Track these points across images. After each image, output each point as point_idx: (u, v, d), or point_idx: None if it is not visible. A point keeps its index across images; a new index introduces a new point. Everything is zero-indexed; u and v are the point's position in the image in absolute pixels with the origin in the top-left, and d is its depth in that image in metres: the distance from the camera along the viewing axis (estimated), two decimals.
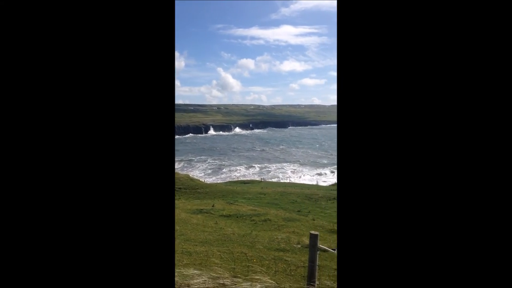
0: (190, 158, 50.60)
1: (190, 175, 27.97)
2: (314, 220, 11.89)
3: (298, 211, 14.44)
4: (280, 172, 41.11)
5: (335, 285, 4.26)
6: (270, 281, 2.77)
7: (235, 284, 2.63)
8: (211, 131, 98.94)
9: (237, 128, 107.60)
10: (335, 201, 16.79)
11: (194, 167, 44.71)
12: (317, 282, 2.89)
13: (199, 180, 26.65)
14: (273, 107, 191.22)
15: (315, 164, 45.72)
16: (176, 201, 15.01)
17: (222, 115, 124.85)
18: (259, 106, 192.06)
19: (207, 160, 49.21)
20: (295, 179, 35.65)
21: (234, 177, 37.39)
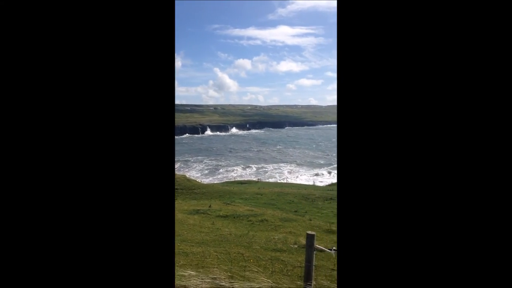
0: (186, 158, 50.46)
1: (187, 176, 27.90)
2: (311, 220, 11.92)
3: (295, 211, 14.46)
4: (277, 172, 41.14)
5: (332, 285, 4.27)
6: (267, 280, 2.77)
7: (232, 285, 2.63)
8: (208, 132, 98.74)
9: (234, 128, 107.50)
10: (332, 201, 16.84)
11: (190, 167, 44.59)
12: (313, 282, 2.90)
13: (195, 181, 26.58)
14: (270, 107, 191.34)
15: (312, 165, 45.82)
16: None
17: (219, 115, 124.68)
18: (256, 106, 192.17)
19: (203, 161, 49.11)
20: (292, 180, 35.69)
21: (231, 177, 37.34)
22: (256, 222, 11.02)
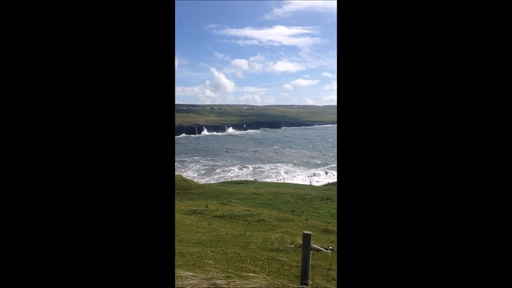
0: (183, 158, 50.30)
1: (184, 176, 27.81)
2: (307, 220, 11.94)
3: (292, 211, 14.48)
4: (274, 172, 41.17)
5: (328, 284, 4.29)
6: (263, 281, 2.77)
7: (229, 285, 2.63)
8: (205, 132, 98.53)
9: (230, 128, 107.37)
10: (328, 201, 16.89)
11: (187, 167, 44.46)
12: (310, 282, 2.91)
13: (192, 181, 26.52)
14: (266, 107, 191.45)
15: (309, 165, 45.91)
16: None
17: (216, 115, 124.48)
18: (252, 106, 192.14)
19: (200, 161, 49.00)
20: (288, 179, 35.74)
21: (227, 177, 37.30)
22: (253, 222, 11.02)
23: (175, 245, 6.50)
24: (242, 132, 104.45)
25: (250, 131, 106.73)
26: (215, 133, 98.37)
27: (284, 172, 41.19)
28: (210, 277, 2.77)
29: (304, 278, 2.79)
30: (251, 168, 43.44)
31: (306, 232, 2.83)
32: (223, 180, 34.18)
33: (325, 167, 43.50)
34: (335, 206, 15.37)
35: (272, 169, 43.22)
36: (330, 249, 3.80)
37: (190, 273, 2.82)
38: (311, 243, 2.82)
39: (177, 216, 11.49)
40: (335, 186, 26.25)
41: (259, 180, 33.69)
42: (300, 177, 37.89)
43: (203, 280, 2.70)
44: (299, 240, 7.30)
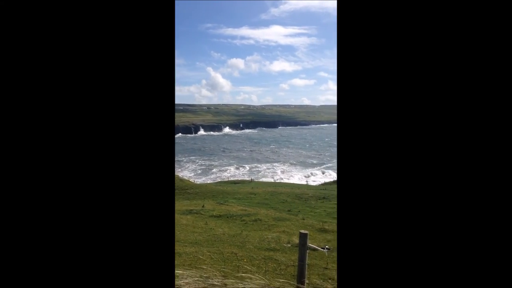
0: (179, 158, 50.14)
1: (180, 176, 27.74)
2: (304, 219, 11.97)
3: (288, 210, 14.50)
4: (270, 172, 41.20)
5: (324, 283, 4.30)
6: (260, 281, 2.77)
7: (225, 285, 2.63)
8: (201, 131, 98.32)
9: (227, 128, 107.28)
10: (325, 201, 16.94)
11: (183, 167, 44.34)
12: (306, 281, 2.91)
13: (188, 181, 26.46)
14: (263, 107, 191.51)
15: (305, 164, 46.02)
16: None
17: (212, 115, 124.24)
18: (249, 106, 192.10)
19: (196, 161, 48.89)
20: (285, 179, 35.79)
21: (224, 177, 37.26)
22: (249, 221, 11.02)
23: None
24: (238, 131, 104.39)
25: (246, 130, 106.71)
26: (211, 132, 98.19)
27: (281, 171, 41.25)
28: (207, 277, 2.76)
29: (300, 277, 2.80)
30: (247, 168, 43.43)
31: (302, 231, 2.84)
32: (219, 180, 34.15)
33: (322, 167, 43.63)
34: (332, 206, 15.43)
35: (268, 168, 43.26)
36: (327, 248, 3.81)
37: (187, 273, 2.81)
38: (308, 243, 2.82)
39: None
40: (332, 186, 26.35)
41: (256, 179, 33.70)
42: (296, 177, 37.97)
43: (199, 280, 2.70)
44: (296, 240, 7.31)
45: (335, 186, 25.76)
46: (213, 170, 42.50)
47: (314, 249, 5.04)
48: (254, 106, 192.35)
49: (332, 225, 10.63)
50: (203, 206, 14.16)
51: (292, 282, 3.00)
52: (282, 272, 4.79)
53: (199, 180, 34.02)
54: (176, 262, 4.73)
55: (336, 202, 16.74)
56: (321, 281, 4.43)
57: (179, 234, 8.37)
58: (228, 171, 42.00)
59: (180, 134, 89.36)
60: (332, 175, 37.89)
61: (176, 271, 2.86)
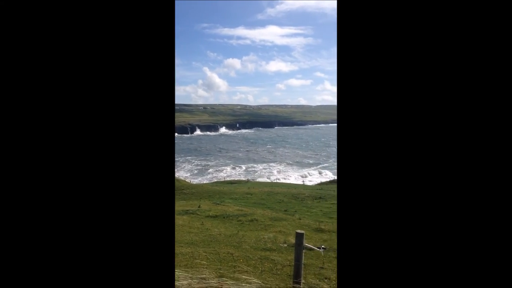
0: (175, 158, 49.91)
1: (176, 176, 27.63)
2: (300, 219, 11.99)
3: (285, 210, 14.52)
4: (267, 172, 41.23)
5: (320, 283, 4.31)
6: (256, 280, 2.77)
7: (222, 285, 2.62)
8: (197, 131, 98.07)
9: (223, 128, 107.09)
10: (321, 200, 16.99)
11: (179, 167, 44.18)
12: (302, 281, 2.92)
13: (184, 181, 26.37)
14: (259, 107, 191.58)
15: (302, 164, 46.11)
16: None
17: (209, 115, 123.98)
18: (245, 106, 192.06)
19: (193, 161, 48.76)
20: (282, 179, 35.84)
21: (220, 177, 37.21)
22: (246, 222, 11.01)
23: None
24: (235, 131, 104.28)
25: (243, 130, 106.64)
26: (208, 132, 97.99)
27: (277, 171, 41.28)
28: (203, 278, 2.75)
29: (296, 277, 2.80)
30: (244, 168, 43.42)
31: (298, 231, 2.84)
32: (216, 180, 34.08)
33: (318, 167, 43.76)
34: (328, 205, 15.48)
35: (265, 168, 43.27)
36: (323, 248, 3.82)
37: (183, 274, 2.80)
38: (304, 242, 2.83)
39: None
40: (328, 186, 26.44)
41: (252, 180, 33.70)
42: (293, 177, 38.03)
43: (195, 281, 2.69)
44: (292, 239, 7.32)
45: (332, 186, 25.86)
46: (209, 170, 42.42)
47: (310, 249, 5.05)
48: (250, 106, 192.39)
49: (329, 225, 10.67)
50: (199, 206, 14.12)
51: (288, 282, 3.00)
52: (279, 272, 4.79)
53: (195, 180, 33.94)
54: None
55: (332, 202, 16.78)
56: (317, 280, 4.44)
57: (175, 234, 8.33)
58: (224, 171, 41.95)
59: (176, 134, 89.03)
60: (328, 175, 38.02)
61: None
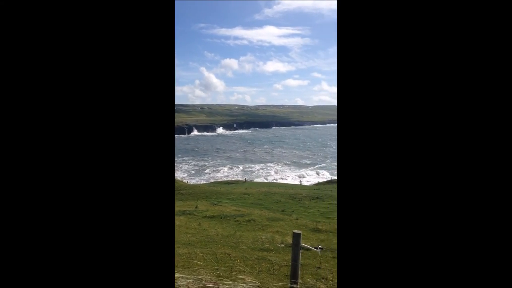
0: None
1: None
2: (297, 219, 12.00)
3: (282, 210, 14.53)
4: (264, 172, 41.23)
5: (317, 283, 4.32)
6: (253, 281, 2.77)
7: (218, 285, 2.62)
8: (195, 132, 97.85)
9: (220, 128, 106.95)
10: (318, 200, 17.02)
11: (177, 168, 44.05)
12: (300, 281, 2.92)
13: (181, 181, 26.30)
14: (257, 107, 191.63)
15: (299, 165, 46.18)
16: None
17: (206, 115, 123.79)
18: (243, 106, 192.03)
19: (190, 161, 48.66)
20: (279, 179, 35.86)
21: (217, 177, 37.15)
22: (243, 222, 11.01)
23: None
24: (232, 132, 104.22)
25: (240, 131, 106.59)
26: (205, 133, 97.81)
27: (275, 172, 41.31)
28: (200, 278, 2.75)
29: (293, 277, 2.80)
30: (241, 168, 43.40)
31: (295, 231, 2.84)
32: (213, 181, 34.04)
33: (315, 167, 43.85)
34: (325, 205, 15.51)
35: (262, 169, 43.28)
36: (320, 248, 3.83)
37: (180, 275, 2.80)
38: (301, 242, 2.83)
39: None
40: (325, 186, 26.49)
41: (250, 180, 33.68)
42: (290, 177, 38.07)
43: (192, 281, 2.68)
44: (289, 240, 7.33)
45: (329, 186, 25.92)
46: (206, 171, 42.35)
47: (308, 249, 5.06)
48: (248, 107, 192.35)
49: (326, 225, 10.69)
50: (196, 207, 14.09)
51: (285, 283, 3.01)
52: (276, 272, 4.80)
53: (193, 181, 33.86)
54: None
55: (329, 202, 16.80)
56: (314, 280, 4.45)
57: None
58: (221, 171, 41.91)
59: None
60: (325, 175, 38.12)
61: None
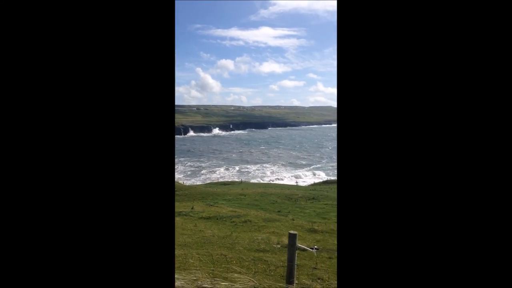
0: None
1: None
2: (293, 220, 12.02)
3: (278, 211, 14.54)
4: (260, 173, 41.23)
5: (313, 283, 4.33)
6: (249, 281, 2.77)
7: (214, 286, 2.61)
8: (191, 133, 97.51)
9: (216, 129, 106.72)
10: (314, 201, 17.06)
11: None
12: (296, 281, 2.93)
13: (178, 182, 26.19)
14: (253, 108, 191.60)
15: (295, 165, 46.25)
16: None
17: (202, 116, 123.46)
18: (239, 107, 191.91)
19: (186, 162, 48.48)
20: (275, 180, 35.88)
21: (213, 178, 37.07)
22: (239, 223, 10.99)
23: None
24: (228, 133, 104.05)
25: (236, 131, 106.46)
26: (201, 134, 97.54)
27: (271, 172, 41.32)
28: (195, 279, 2.74)
29: (289, 277, 2.81)
30: (237, 169, 43.35)
31: (291, 232, 2.85)
32: (209, 181, 33.95)
33: (311, 167, 43.96)
34: (321, 206, 15.55)
35: (258, 169, 43.27)
36: (316, 248, 3.84)
37: (176, 276, 2.79)
38: (297, 243, 2.84)
39: None
40: (321, 186, 26.56)
41: (246, 181, 33.65)
42: (286, 178, 38.11)
43: (188, 282, 2.68)
44: (286, 240, 7.34)
45: (325, 186, 25.99)
46: (202, 172, 42.23)
47: (303, 250, 5.07)
48: (244, 107, 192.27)
49: (322, 225, 10.72)
50: (192, 208, 14.04)
51: (281, 283, 3.01)
52: (272, 273, 4.80)
53: (189, 182, 33.74)
54: None
55: (325, 203, 16.83)
56: (310, 281, 4.46)
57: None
58: (217, 172, 41.82)
59: None
60: (321, 176, 38.23)
61: None
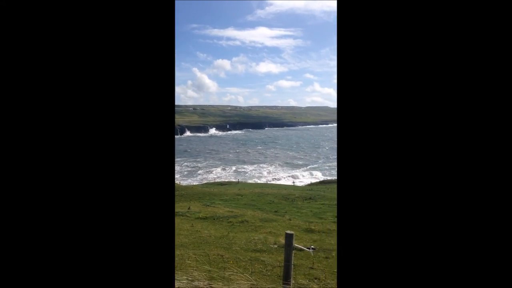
0: None
1: None
2: (290, 220, 12.03)
3: (275, 211, 14.55)
4: (257, 173, 41.24)
5: (310, 283, 4.34)
6: (246, 281, 2.77)
7: (211, 286, 2.61)
8: (187, 133, 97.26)
9: (213, 129, 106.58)
10: (311, 201, 17.10)
11: None
12: (292, 281, 2.93)
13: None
14: (250, 108, 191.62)
15: (292, 165, 46.32)
16: None
17: (198, 116, 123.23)
18: (236, 107, 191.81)
19: (182, 162, 48.36)
20: (272, 180, 35.91)
21: (210, 179, 37.00)
22: (236, 223, 10.98)
23: None
24: (225, 133, 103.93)
25: (233, 132, 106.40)
26: (197, 134, 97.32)
27: (267, 172, 41.35)
28: (192, 280, 2.74)
29: (286, 277, 2.81)
30: (234, 169, 43.32)
31: (288, 232, 2.85)
32: (206, 182, 33.88)
33: (308, 168, 44.06)
34: (318, 206, 15.59)
35: (255, 170, 43.27)
36: (312, 248, 3.85)
37: None
38: (294, 243, 2.84)
39: None
40: (318, 186, 26.63)
41: (243, 181, 33.64)
42: (283, 178, 38.16)
43: (185, 283, 2.67)
44: (282, 240, 7.34)
45: (321, 186, 26.06)
46: (199, 172, 42.13)
47: (300, 250, 5.08)
48: (240, 107, 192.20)
49: (318, 225, 10.75)
50: (189, 208, 14.01)
51: (278, 283, 3.01)
52: (269, 273, 4.80)
53: (185, 182, 33.65)
54: None
55: (322, 203, 16.86)
56: (307, 281, 4.47)
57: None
58: (214, 172, 41.76)
59: None
60: (318, 176, 38.33)
61: None
